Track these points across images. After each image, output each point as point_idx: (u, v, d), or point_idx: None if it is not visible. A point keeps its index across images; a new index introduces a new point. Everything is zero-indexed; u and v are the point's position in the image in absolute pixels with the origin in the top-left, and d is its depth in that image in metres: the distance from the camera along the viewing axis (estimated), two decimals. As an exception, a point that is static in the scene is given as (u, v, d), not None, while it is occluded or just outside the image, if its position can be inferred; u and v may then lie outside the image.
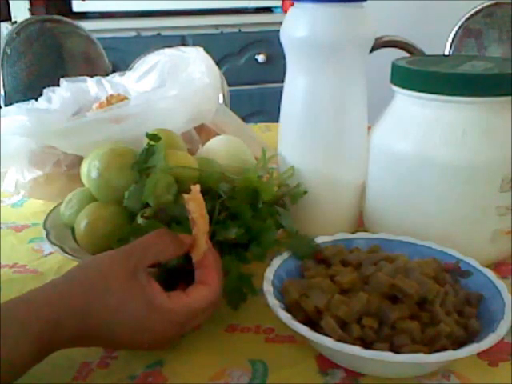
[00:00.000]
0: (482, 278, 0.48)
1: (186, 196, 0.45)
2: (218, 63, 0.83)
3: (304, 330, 0.41)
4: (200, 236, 0.45)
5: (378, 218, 0.61)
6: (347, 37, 0.55)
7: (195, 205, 0.45)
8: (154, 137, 0.54)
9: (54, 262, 0.60)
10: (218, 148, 0.67)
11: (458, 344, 0.42)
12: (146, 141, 0.55)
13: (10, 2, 1.97)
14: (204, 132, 0.77)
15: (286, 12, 0.62)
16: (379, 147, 0.59)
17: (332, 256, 0.50)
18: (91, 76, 0.91)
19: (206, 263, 0.45)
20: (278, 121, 0.63)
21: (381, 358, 0.39)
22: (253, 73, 2.16)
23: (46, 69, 1.53)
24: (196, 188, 0.46)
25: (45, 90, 0.85)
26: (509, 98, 0.53)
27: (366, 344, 0.41)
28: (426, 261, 0.48)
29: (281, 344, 0.47)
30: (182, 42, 2.03)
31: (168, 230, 0.47)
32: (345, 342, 0.40)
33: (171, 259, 0.45)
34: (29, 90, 1.48)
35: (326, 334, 0.41)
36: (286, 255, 0.51)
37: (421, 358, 0.39)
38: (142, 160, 0.54)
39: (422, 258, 0.49)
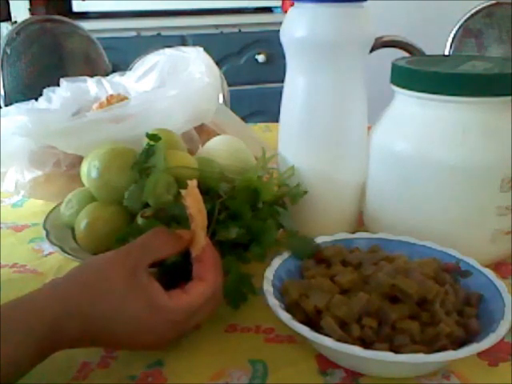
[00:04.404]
0: (482, 278, 0.48)
1: (183, 191, 0.46)
2: (218, 63, 0.83)
3: (304, 330, 0.41)
4: (198, 231, 0.45)
5: (378, 217, 0.60)
6: (347, 37, 0.55)
7: (192, 200, 0.45)
8: (153, 137, 0.54)
9: (54, 261, 0.60)
10: (218, 148, 0.67)
11: (458, 344, 0.42)
12: (145, 141, 0.55)
13: (10, 2, 1.97)
14: (204, 132, 0.77)
15: (286, 12, 0.62)
16: (379, 147, 0.59)
17: (332, 256, 0.50)
18: (91, 76, 0.91)
19: (203, 258, 0.45)
20: (277, 121, 0.63)
21: (381, 358, 0.39)
22: (253, 73, 2.16)
23: (46, 69, 1.53)
24: (193, 183, 0.46)
25: (45, 90, 0.85)
26: (509, 98, 0.53)
27: (366, 344, 0.41)
28: (425, 261, 0.48)
29: (281, 344, 0.47)
30: (182, 42, 2.03)
31: (166, 227, 0.47)
32: (345, 342, 0.40)
33: (171, 256, 0.45)
34: (29, 90, 1.49)
35: (326, 334, 0.41)
36: (286, 255, 0.51)
37: (421, 358, 0.39)
38: (142, 160, 0.54)
39: (422, 258, 0.49)
